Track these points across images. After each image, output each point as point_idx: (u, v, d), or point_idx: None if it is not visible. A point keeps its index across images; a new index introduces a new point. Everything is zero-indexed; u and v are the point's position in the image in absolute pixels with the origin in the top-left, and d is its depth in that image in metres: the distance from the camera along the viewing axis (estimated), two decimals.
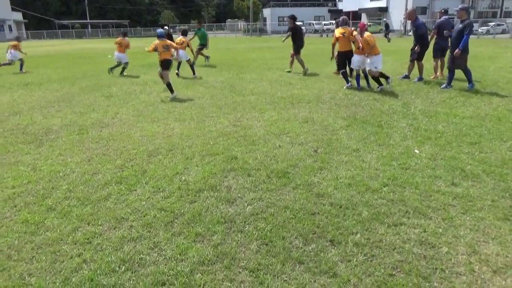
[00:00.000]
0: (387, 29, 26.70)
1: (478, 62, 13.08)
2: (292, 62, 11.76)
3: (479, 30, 37.97)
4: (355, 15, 57.51)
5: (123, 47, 12.36)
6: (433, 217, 3.18)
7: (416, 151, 4.69)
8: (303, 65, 11.40)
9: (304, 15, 61.86)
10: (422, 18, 8.43)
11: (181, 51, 11.38)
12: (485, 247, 2.78)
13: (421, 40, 9.50)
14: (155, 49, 8.32)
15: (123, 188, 3.87)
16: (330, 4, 69.50)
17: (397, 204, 3.40)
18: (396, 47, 18.99)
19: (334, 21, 49.75)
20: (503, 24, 41.00)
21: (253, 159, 4.58)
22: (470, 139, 5.08)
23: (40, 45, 36.07)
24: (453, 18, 16.33)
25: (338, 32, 8.65)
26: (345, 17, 9.12)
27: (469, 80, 8.49)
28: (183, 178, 4.10)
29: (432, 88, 8.64)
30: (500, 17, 49.76)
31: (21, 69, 13.83)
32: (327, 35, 44.20)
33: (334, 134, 5.45)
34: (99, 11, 73.88)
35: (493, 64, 12.80)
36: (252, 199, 3.58)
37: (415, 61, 9.83)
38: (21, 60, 13.89)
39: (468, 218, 3.17)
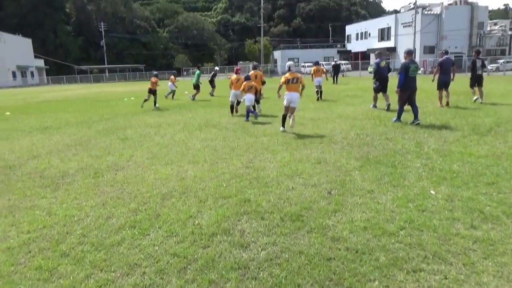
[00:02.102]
0: (336, 71, 27.56)
1: (491, 99, 13.09)
2: None
3: (489, 67, 38.28)
4: (364, 56, 58.87)
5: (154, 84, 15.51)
6: (453, 263, 3.07)
7: (432, 192, 4.62)
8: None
9: (314, 56, 63.44)
10: (430, 57, 9.33)
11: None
12: None
13: (379, 75, 12.25)
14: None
15: (137, 233, 3.87)
16: (339, 45, 71.36)
17: (415, 249, 3.31)
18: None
19: (343, 61, 51.14)
20: (511, 61, 41.29)
21: (266, 201, 4.56)
22: (487, 179, 4.99)
23: (59, 90, 37.56)
24: (461, 56, 16.71)
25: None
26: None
27: (415, 115, 9.18)
28: (196, 221, 4.08)
29: (445, 127, 8.61)
30: (509, 54, 50.22)
31: (170, 95, 19.71)
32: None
33: (348, 175, 5.42)
34: (116, 57, 77.23)
35: (505, 101, 12.78)
36: (266, 243, 3.52)
37: (377, 92, 12.39)
38: (174, 91, 19.79)
39: (490, 263, 3.05)
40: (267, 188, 5.05)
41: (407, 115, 9.46)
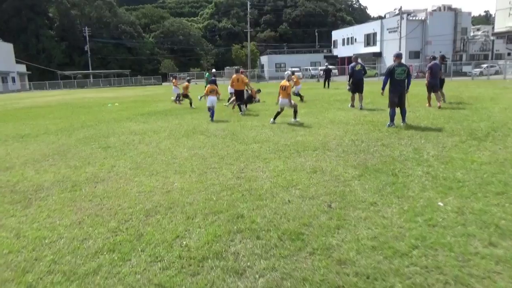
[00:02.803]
0: (327, 75, 27.15)
1: (481, 103, 12.97)
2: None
3: (473, 71, 38.79)
4: (350, 61, 59.05)
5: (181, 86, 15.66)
6: None
7: (440, 203, 4.27)
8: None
9: (301, 61, 63.61)
10: (415, 62, 9.89)
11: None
12: None
13: (353, 78, 13.58)
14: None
15: (116, 258, 3.40)
16: (325, 51, 71.64)
17: (433, 273, 2.93)
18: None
19: (320, 67, 51.11)
20: (495, 66, 41.91)
21: (261, 217, 4.14)
22: (495, 188, 4.67)
23: (41, 96, 36.54)
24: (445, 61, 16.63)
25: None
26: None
27: (391, 118, 9.37)
28: (184, 242, 3.64)
29: (440, 131, 8.35)
30: (492, 59, 51.03)
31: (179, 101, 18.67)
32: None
33: (347, 186, 5.04)
34: (101, 62, 76.12)
35: (496, 105, 12.67)
36: (264, 269, 3.10)
37: (354, 93, 13.68)
38: (180, 95, 18.60)
39: None
40: (261, 201, 4.64)
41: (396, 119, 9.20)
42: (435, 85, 12.69)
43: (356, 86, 13.46)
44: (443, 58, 14.02)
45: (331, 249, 3.38)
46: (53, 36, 75.34)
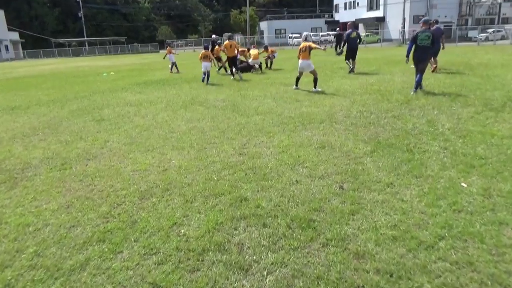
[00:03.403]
0: (339, 40, 25.59)
1: (493, 71, 12.38)
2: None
3: (478, 36, 37.58)
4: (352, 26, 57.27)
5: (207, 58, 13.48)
6: None
7: (463, 184, 3.88)
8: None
9: (301, 27, 61.68)
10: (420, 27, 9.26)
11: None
12: None
13: (349, 45, 13.92)
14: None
15: (106, 250, 3.04)
16: (326, 16, 69.48)
17: (465, 269, 2.58)
18: (398, 57, 18.32)
19: (331, 32, 49.56)
20: (501, 30, 40.61)
21: (267, 200, 3.76)
22: None
23: (35, 64, 35.57)
24: (450, 25, 16.13)
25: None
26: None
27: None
28: (182, 231, 3.27)
29: (453, 101, 7.87)
30: (498, 23, 49.45)
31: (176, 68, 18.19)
32: (325, 46, 43.68)
33: (359, 163, 4.64)
34: (96, 29, 73.90)
35: (508, 72, 12.06)
36: (272, 263, 2.75)
37: (348, 59, 14.13)
38: (174, 63, 18.11)
39: None
40: (266, 181, 4.25)
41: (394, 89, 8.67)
42: (436, 51, 12.31)
43: (350, 53, 14.00)
44: (436, 22, 13.40)
45: (347, 239, 3.02)
46: (45, 2, 72.67)
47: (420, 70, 9.00)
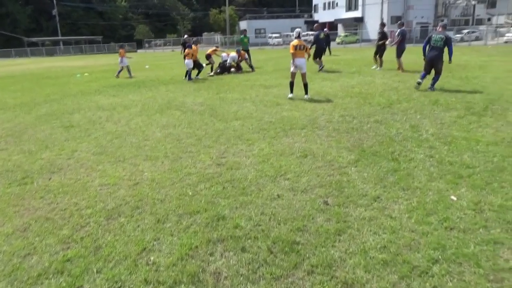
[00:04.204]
0: (327, 41, 25.37)
1: (471, 73, 12.46)
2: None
3: (454, 37, 38.38)
4: (331, 26, 57.59)
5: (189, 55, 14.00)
6: None
7: (453, 198, 3.69)
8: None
9: (281, 26, 61.65)
10: (397, 27, 10.76)
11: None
12: None
13: (317, 44, 14.85)
14: None
15: (64, 284, 2.68)
16: (306, 15, 69.71)
17: None
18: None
19: (311, 32, 49.57)
20: (476, 31, 41.58)
21: (246, 219, 3.47)
22: (511, 176, 4.12)
23: (5, 65, 34.16)
24: (427, 26, 16.80)
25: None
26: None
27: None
28: (152, 258, 2.94)
29: (435, 105, 7.77)
30: (472, 24, 50.69)
31: (125, 71, 16.73)
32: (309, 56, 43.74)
33: (343, 174, 4.40)
34: (71, 27, 71.85)
35: (486, 74, 12.17)
36: None
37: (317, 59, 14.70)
38: (124, 67, 16.58)
39: None
40: (246, 196, 3.95)
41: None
42: (403, 50, 13.43)
43: (319, 53, 14.96)
44: (383, 25, 14.78)
45: (334, 265, 2.75)
46: (17, 0, 70.19)
47: (437, 71, 9.44)
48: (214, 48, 17.17)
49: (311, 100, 8.90)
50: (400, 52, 13.38)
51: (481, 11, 54.79)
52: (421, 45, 13.31)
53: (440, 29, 9.52)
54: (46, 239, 3.31)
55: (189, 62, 14.02)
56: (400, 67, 13.55)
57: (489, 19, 53.17)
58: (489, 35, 37.82)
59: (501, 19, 49.98)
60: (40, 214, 3.80)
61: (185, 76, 14.29)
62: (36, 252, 3.12)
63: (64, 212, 3.82)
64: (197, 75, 14.45)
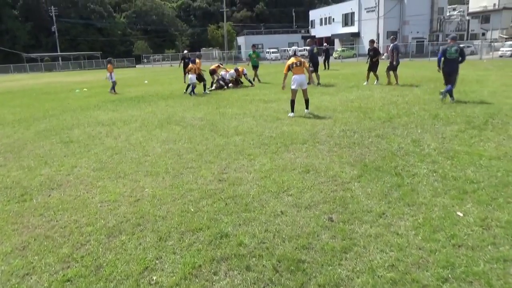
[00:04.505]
0: (326, 56, 25.67)
1: (469, 87, 12.54)
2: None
3: None
4: (328, 41, 58.26)
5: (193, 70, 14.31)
6: None
7: (459, 214, 3.64)
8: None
9: (278, 42, 62.38)
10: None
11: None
12: None
13: (312, 59, 15.49)
14: None
15: None
16: (303, 31, 70.55)
17: None
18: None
19: (308, 47, 50.04)
20: (471, 46, 42.11)
21: (250, 236, 3.41)
22: None
23: (4, 80, 34.24)
24: (422, 41, 17.44)
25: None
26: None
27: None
28: (154, 278, 2.87)
29: (435, 119, 7.78)
30: (467, 39, 51.38)
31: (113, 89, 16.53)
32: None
33: (347, 190, 4.36)
34: (70, 43, 72.46)
35: (483, 88, 12.26)
36: None
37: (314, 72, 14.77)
38: (115, 83, 16.52)
39: None
40: (249, 213, 3.90)
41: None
42: (398, 64, 13.97)
43: (315, 67, 15.45)
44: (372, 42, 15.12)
45: (341, 284, 2.69)
46: (17, 16, 70.74)
47: (451, 82, 9.74)
48: (217, 64, 17.26)
49: (311, 115, 8.90)
50: (393, 66, 13.80)
51: (475, 26, 55.67)
52: (417, 60, 14.01)
53: (452, 42, 9.83)
54: (46, 258, 3.23)
55: (192, 77, 14.24)
56: (389, 81, 14.06)
57: (483, 34, 53.97)
58: (484, 50, 38.37)
59: (495, 34, 50.69)
60: (39, 232, 3.72)
61: (186, 90, 14.65)
62: (35, 272, 3.04)
63: (64, 229, 3.75)
64: (204, 90, 14.66)
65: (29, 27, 70.89)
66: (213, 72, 16.18)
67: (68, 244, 3.46)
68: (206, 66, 17.40)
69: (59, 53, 65.10)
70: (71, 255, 3.26)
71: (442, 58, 9.75)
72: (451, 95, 9.79)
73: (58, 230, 3.75)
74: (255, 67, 18.07)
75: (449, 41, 9.96)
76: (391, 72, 14.02)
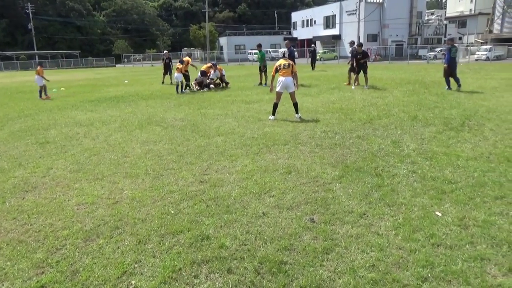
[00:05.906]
0: (313, 57, 26.28)
1: (445, 88, 12.82)
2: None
3: (428, 55, 39.76)
4: (310, 43, 58.75)
5: (179, 69, 14.70)
6: None
7: (438, 213, 3.70)
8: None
9: (261, 43, 62.42)
10: (373, 45, 11.30)
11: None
12: None
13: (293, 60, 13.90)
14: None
15: None
16: (285, 32, 70.89)
17: None
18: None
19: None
20: None
21: (231, 238, 3.37)
22: (492, 191, 4.18)
23: None
24: (401, 44, 18.41)
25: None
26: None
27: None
28: (133, 283, 2.79)
29: (414, 121, 7.92)
30: (445, 43, 52.66)
31: (45, 93, 15.13)
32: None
33: (328, 191, 4.37)
34: (47, 42, 70.85)
35: (461, 91, 12.55)
36: None
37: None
38: (44, 87, 15.14)
39: None
40: (230, 214, 3.86)
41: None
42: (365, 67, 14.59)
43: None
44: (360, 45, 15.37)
45: (323, 285, 2.68)
46: None
47: (454, 75, 12.45)
48: (209, 64, 16.46)
49: (291, 115, 8.91)
50: (353, 68, 14.70)
51: (452, 30, 57.07)
52: (397, 62, 14.89)
53: (451, 42, 12.39)
54: (19, 264, 3.11)
55: (178, 76, 14.67)
56: (349, 82, 14.96)
57: (460, 38, 55.41)
58: (461, 53, 39.40)
59: (471, 38, 52.14)
60: (12, 237, 3.58)
61: (177, 90, 14.77)
62: (8, 278, 2.92)
63: (39, 234, 3.62)
64: (183, 90, 14.92)
65: (4, 24, 68.94)
66: (204, 74, 15.57)
67: (42, 248, 3.34)
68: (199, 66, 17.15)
69: (35, 51, 63.48)
70: (45, 260, 3.14)
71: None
72: (458, 82, 12.43)
73: (32, 234, 3.62)
74: (263, 67, 16.67)
75: (448, 41, 12.42)
76: (352, 74, 14.91)
